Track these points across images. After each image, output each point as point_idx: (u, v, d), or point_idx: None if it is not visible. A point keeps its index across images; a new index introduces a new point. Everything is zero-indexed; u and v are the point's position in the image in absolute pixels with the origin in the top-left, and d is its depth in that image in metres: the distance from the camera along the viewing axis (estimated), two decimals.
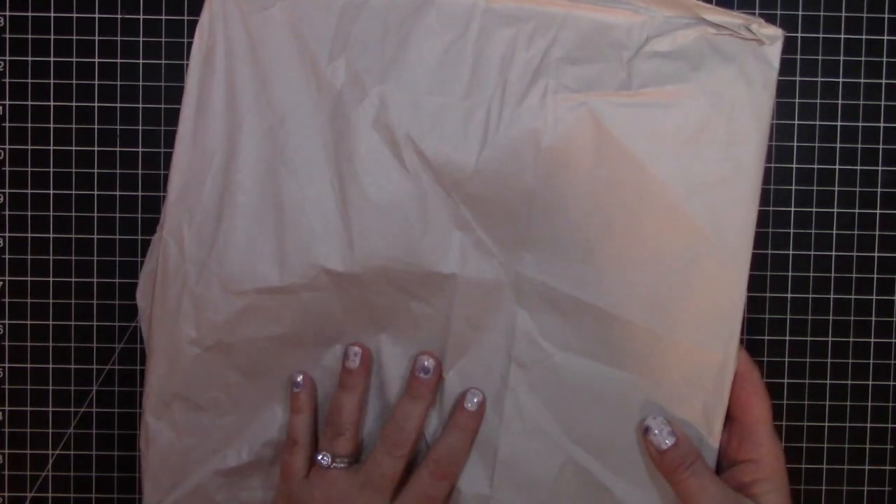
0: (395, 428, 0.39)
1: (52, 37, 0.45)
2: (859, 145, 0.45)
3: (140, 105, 0.45)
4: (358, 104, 0.38)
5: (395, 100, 0.38)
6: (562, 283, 0.38)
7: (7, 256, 0.46)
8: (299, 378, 0.41)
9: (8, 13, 0.45)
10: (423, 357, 0.40)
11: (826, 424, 0.46)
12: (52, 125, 0.45)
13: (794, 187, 0.45)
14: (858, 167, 0.45)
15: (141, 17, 0.45)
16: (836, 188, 0.45)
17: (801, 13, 0.45)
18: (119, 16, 0.45)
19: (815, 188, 0.45)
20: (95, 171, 0.45)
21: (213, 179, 0.39)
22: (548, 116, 0.37)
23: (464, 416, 0.39)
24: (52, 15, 0.45)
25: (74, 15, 0.45)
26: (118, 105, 0.45)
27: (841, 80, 0.45)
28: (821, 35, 0.45)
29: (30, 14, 0.45)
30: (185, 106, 0.40)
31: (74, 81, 0.45)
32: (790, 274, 0.46)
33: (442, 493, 0.39)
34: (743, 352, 0.38)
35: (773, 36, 0.38)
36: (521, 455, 0.39)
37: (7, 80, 0.45)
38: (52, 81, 0.45)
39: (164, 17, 0.45)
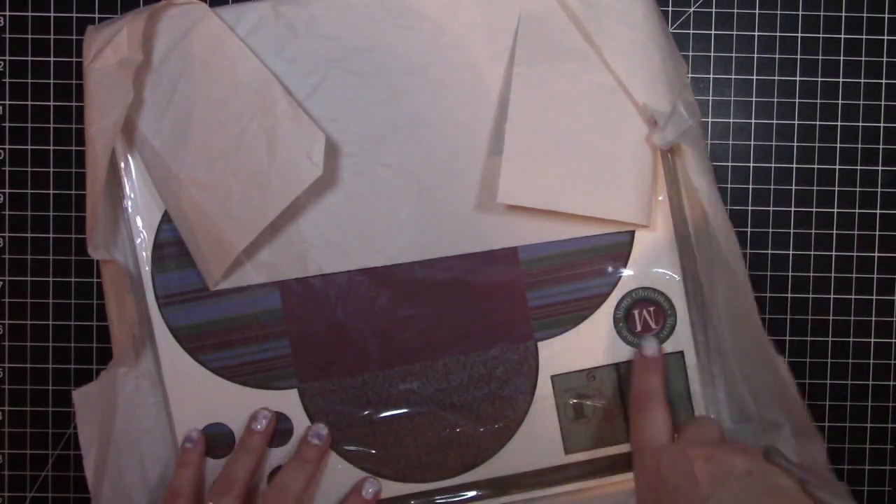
0: (277, 489, 0.40)
1: (52, 37, 0.45)
2: (859, 145, 0.45)
3: None
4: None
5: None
6: None
7: (7, 256, 0.46)
8: (194, 434, 0.41)
9: (8, 13, 0.45)
10: (318, 425, 0.41)
11: (826, 424, 0.46)
12: (52, 125, 0.45)
13: (793, 187, 0.45)
14: (858, 167, 0.45)
15: None
16: (836, 188, 0.45)
17: (801, 13, 0.45)
18: (118, 16, 0.45)
19: (814, 188, 0.45)
20: None
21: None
22: None
23: (308, 449, 0.41)
24: (52, 15, 0.45)
25: (74, 15, 0.45)
26: None
27: (841, 80, 0.45)
28: (821, 35, 0.45)
29: (30, 14, 0.45)
30: None
31: (74, 81, 0.45)
32: (790, 274, 0.46)
33: None
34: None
35: None
36: None
37: (7, 80, 0.45)
38: (52, 81, 0.45)
39: None
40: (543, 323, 0.42)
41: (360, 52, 0.40)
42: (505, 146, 0.38)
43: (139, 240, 0.41)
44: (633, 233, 0.42)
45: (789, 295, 0.46)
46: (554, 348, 0.42)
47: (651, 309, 0.42)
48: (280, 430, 0.42)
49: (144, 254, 0.41)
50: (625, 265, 0.42)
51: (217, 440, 0.42)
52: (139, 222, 0.41)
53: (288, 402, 0.42)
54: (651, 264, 0.42)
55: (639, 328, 0.42)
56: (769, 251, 0.45)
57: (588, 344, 0.42)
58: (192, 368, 0.42)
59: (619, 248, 0.42)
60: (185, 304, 0.42)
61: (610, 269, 0.42)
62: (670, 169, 0.42)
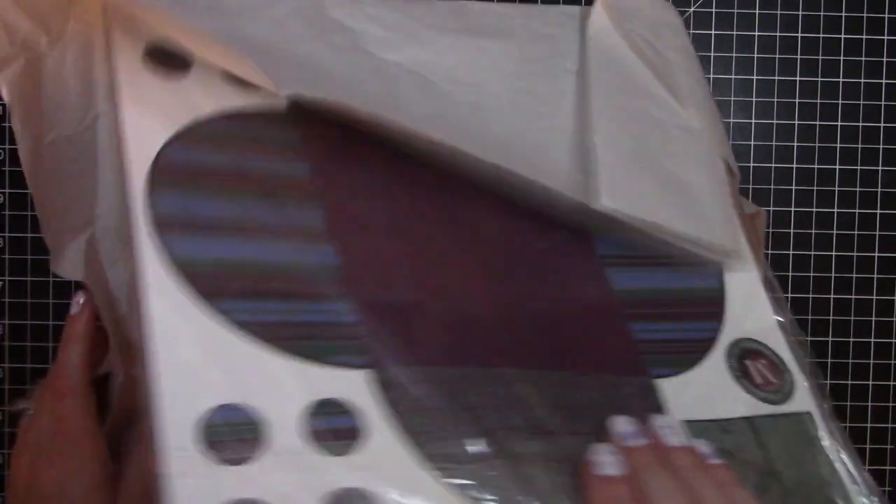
0: (59, 370, 0.32)
1: None
2: (859, 145, 0.45)
3: None
4: None
5: None
6: None
7: (7, 256, 0.46)
8: (81, 298, 0.33)
9: None
10: (77, 293, 0.33)
11: None
12: None
13: (794, 187, 0.45)
14: (858, 167, 0.45)
15: None
16: (837, 188, 0.45)
17: (801, 13, 0.45)
18: None
19: (815, 188, 0.45)
20: None
21: None
22: None
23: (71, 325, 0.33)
24: None
25: None
26: None
27: (841, 80, 0.45)
28: (821, 35, 0.45)
29: None
30: None
31: None
32: (790, 274, 0.46)
33: (62, 412, 0.32)
34: None
35: None
36: None
37: None
38: None
39: None
40: (656, 359, 0.36)
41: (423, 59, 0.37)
42: (598, 154, 0.36)
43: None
44: (722, 277, 0.38)
45: (790, 295, 0.46)
46: (674, 389, 0.35)
47: (763, 362, 0.38)
48: (340, 428, 0.28)
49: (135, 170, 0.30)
50: (722, 310, 0.38)
51: (233, 431, 0.26)
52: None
53: (354, 386, 0.29)
54: (748, 311, 0.38)
55: (759, 381, 0.37)
56: (769, 251, 0.45)
57: (709, 390, 0.36)
58: (201, 319, 0.28)
59: (712, 292, 0.38)
60: (195, 232, 0.30)
61: (707, 311, 0.38)
62: None
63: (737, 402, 0.36)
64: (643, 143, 0.38)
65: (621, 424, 0.30)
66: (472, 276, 0.34)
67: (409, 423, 0.28)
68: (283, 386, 0.28)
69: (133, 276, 0.29)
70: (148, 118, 0.31)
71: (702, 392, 0.36)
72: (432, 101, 0.36)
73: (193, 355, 0.27)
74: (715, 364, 0.37)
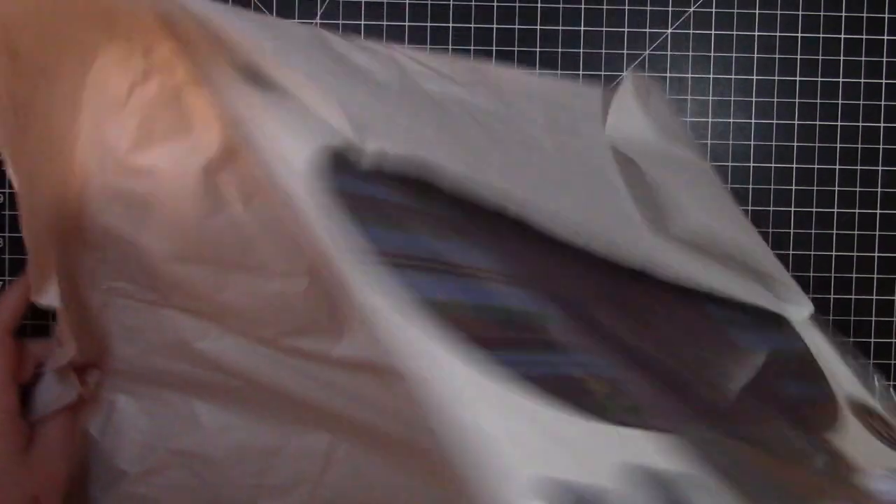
0: None
1: None
2: (859, 145, 0.45)
3: None
4: None
5: None
6: None
7: (7, 256, 0.46)
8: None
9: None
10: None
11: None
12: None
13: (794, 187, 0.45)
14: (858, 167, 0.45)
15: None
16: (836, 188, 0.45)
17: (801, 13, 0.45)
18: None
19: (815, 188, 0.45)
20: None
21: None
22: None
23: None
24: None
25: None
26: None
27: (841, 80, 0.45)
28: (821, 35, 0.45)
29: None
30: None
31: None
32: (790, 274, 0.45)
33: None
34: None
35: None
36: None
37: None
38: None
39: None
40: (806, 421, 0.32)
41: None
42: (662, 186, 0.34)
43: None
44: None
45: None
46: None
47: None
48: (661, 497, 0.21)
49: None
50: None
51: None
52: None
53: (669, 453, 0.23)
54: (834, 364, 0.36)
55: (884, 433, 0.33)
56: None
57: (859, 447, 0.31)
58: (488, 375, 0.22)
59: (805, 356, 0.36)
60: (427, 271, 0.24)
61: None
62: None
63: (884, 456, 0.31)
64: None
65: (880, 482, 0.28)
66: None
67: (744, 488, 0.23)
68: (603, 454, 0.22)
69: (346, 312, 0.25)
70: (284, 143, 0.25)
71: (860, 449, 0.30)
72: (487, 136, 0.31)
73: (498, 420, 0.21)
74: (852, 422, 0.32)
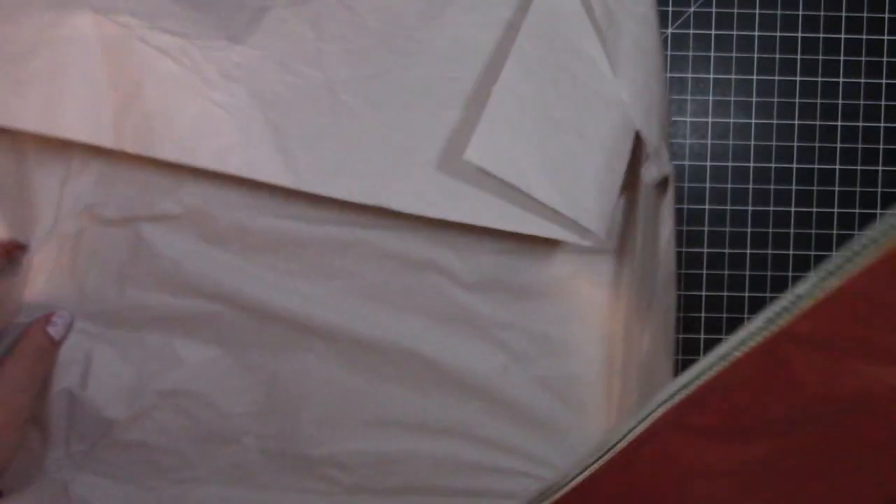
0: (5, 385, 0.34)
1: None
2: (859, 145, 0.45)
3: None
4: None
5: None
6: None
7: None
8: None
9: None
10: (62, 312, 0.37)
11: None
12: None
13: (794, 187, 0.45)
14: (858, 167, 0.45)
15: None
16: (836, 188, 0.45)
17: (801, 13, 0.45)
18: None
19: (815, 188, 0.45)
20: None
21: None
22: None
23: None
24: None
25: None
26: None
27: (841, 79, 0.45)
28: (821, 35, 0.45)
29: None
30: None
31: None
32: (790, 274, 0.45)
33: None
34: None
35: None
36: None
37: None
38: None
39: None
40: None
41: None
42: (487, 106, 0.35)
43: None
44: None
45: None
46: None
47: None
48: None
49: None
50: None
51: None
52: None
53: None
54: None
55: None
56: (769, 251, 0.45)
57: None
58: None
59: None
60: None
61: None
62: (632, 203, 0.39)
63: None
64: (546, 100, 0.37)
65: None
66: None
67: None
68: None
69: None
70: None
71: None
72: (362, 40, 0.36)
73: None
74: None
